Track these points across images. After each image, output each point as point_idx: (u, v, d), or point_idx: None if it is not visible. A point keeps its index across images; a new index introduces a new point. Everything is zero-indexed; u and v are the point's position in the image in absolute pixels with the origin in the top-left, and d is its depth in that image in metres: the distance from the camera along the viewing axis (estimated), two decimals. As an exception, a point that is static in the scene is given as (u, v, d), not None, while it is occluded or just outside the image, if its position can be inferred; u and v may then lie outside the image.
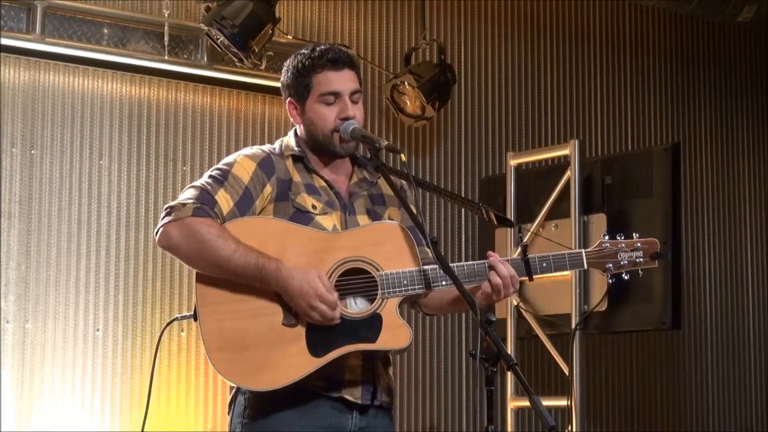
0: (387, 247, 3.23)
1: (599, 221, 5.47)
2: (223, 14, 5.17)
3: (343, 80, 3.31)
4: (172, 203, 3.21)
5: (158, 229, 3.21)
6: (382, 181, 3.40)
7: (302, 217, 3.25)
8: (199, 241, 3.14)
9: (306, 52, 3.35)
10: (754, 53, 7.62)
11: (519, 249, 3.40)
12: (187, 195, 3.23)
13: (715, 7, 6.68)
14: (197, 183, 3.26)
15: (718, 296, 7.25)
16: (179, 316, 3.58)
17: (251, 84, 5.67)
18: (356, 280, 3.21)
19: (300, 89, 3.33)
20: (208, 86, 5.61)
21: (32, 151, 5.18)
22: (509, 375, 5.43)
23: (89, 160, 5.31)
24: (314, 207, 3.28)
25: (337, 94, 3.30)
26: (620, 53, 7.02)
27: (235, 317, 3.18)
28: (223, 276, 3.17)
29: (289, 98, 3.38)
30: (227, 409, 3.34)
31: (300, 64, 3.33)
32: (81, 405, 5.16)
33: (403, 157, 3.29)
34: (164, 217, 3.20)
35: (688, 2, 6.60)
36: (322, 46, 3.36)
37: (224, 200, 3.21)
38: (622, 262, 3.38)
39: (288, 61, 3.39)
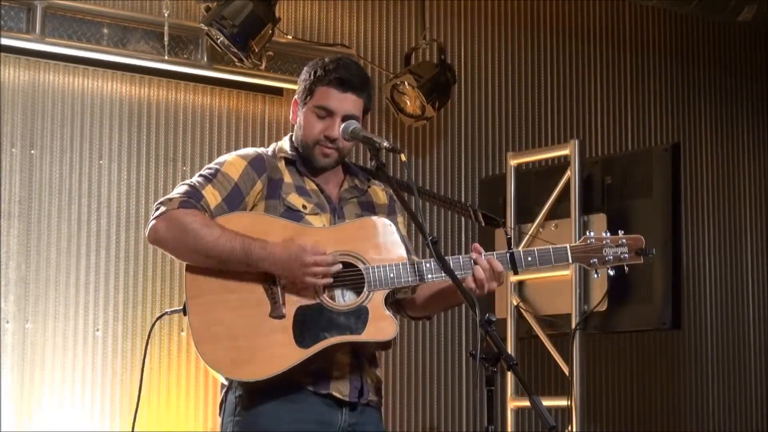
0: (373, 241, 3.27)
1: (599, 221, 5.47)
2: (223, 14, 5.18)
3: (341, 102, 3.33)
4: (161, 199, 3.27)
5: (148, 225, 3.26)
6: (372, 190, 3.46)
7: (292, 215, 3.29)
8: (184, 230, 3.19)
9: (326, 61, 3.38)
10: (754, 53, 7.62)
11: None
12: (175, 191, 3.29)
13: (715, 7, 6.68)
14: (188, 181, 3.33)
15: (718, 296, 7.25)
16: (169, 310, 3.60)
17: (251, 84, 5.67)
18: (344, 273, 3.23)
19: (305, 93, 3.39)
20: (208, 86, 5.61)
21: (32, 151, 5.18)
22: (509, 375, 5.43)
23: (89, 160, 5.31)
24: (304, 207, 3.32)
25: (330, 112, 3.34)
26: (620, 53, 7.02)
27: (223, 308, 3.21)
28: (211, 264, 3.20)
29: (296, 96, 3.44)
30: (218, 410, 3.37)
31: (314, 71, 3.37)
32: (81, 405, 5.15)
33: (403, 157, 3.30)
34: (154, 213, 3.26)
35: (688, 2, 6.60)
36: (342, 63, 3.36)
37: (211, 195, 3.26)
38: (607, 258, 3.38)
39: (312, 61, 3.43)
